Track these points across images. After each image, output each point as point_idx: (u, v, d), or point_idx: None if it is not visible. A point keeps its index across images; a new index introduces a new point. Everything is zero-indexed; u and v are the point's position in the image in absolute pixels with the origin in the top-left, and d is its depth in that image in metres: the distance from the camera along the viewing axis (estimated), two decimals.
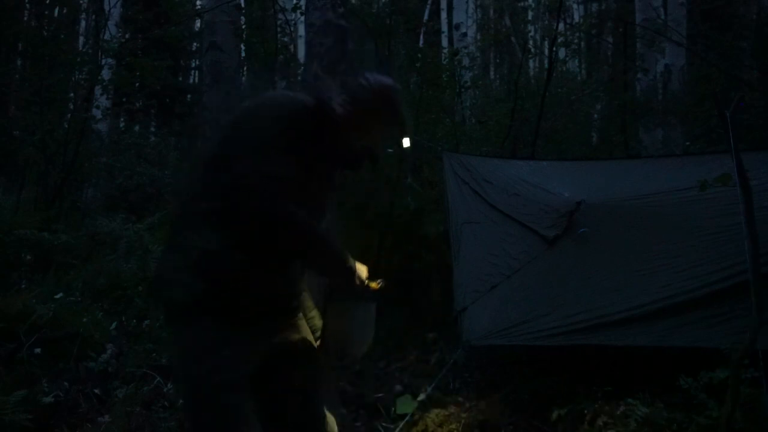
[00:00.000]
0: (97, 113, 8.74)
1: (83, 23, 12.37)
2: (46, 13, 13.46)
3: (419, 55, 8.01)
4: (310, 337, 1.90)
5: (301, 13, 5.86)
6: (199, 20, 10.74)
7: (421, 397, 3.32)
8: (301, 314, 1.89)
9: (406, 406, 3.37)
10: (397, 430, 3.06)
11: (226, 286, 1.59)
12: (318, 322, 1.97)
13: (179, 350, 1.66)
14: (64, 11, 13.09)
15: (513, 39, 15.21)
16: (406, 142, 2.05)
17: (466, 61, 8.72)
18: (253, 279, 1.62)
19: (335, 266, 1.74)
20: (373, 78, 1.81)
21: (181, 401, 1.72)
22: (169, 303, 1.67)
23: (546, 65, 9.67)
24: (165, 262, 1.70)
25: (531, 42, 13.74)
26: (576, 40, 10.50)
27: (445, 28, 13.73)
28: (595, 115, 9.42)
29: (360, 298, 1.86)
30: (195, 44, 14.45)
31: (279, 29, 7.56)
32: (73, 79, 7.97)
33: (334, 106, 1.74)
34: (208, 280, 1.57)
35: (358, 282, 1.79)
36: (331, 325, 1.91)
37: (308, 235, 1.63)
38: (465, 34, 10.98)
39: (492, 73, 16.88)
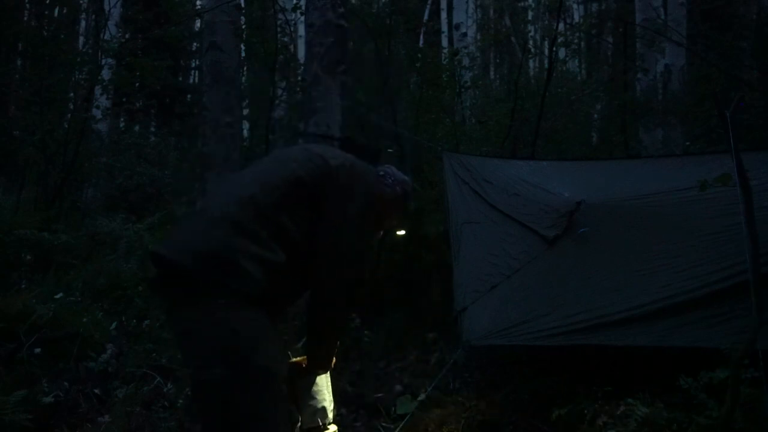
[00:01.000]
0: (97, 113, 8.74)
1: (83, 23, 12.37)
2: (46, 13, 13.46)
3: (419, 55, 8.02)
4: None
5: (301, 13, 5.87)
6: (199, 20, 10.74)
7: (421, 397, 3.33)
8: None
9: (406, 406, 3.38)
10: (397, 430, 3.06)
11: (277, 288, 1.68)
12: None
13: (227, 336, 1.56)
14: (64, 11, 13.09)
15: (513, 39, 15.20)
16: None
17: (466, 61, 8.72)
18: (293, 288, 1.81)
19: (333, 337, 1.90)
20: (396, 176, 2.11)
21: (204, 392, 1.60)
22: (227, 285, 1.58)
23: (546, 65, 9.67)
24: (228, 239, 1.63)
25: (531, 42, 13.74)
26: (576, 40, 10.49)
27: (445, 28, 13.73)
28: (595, 115, 9.42)
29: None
30: (195, 44, 14.45)
31: (279, 29, 7.55)
32: (73, 79, 7.97)
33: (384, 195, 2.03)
34: (269, 279, 1.63)
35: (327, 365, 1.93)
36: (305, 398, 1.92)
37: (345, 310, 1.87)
38: (465, 34, 10.98)
39: (492, 73, 16.88)
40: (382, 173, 2.09)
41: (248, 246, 1.61)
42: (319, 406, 1.88)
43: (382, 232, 2.19)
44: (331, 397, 1.92)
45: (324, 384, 1.91)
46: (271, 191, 1.72)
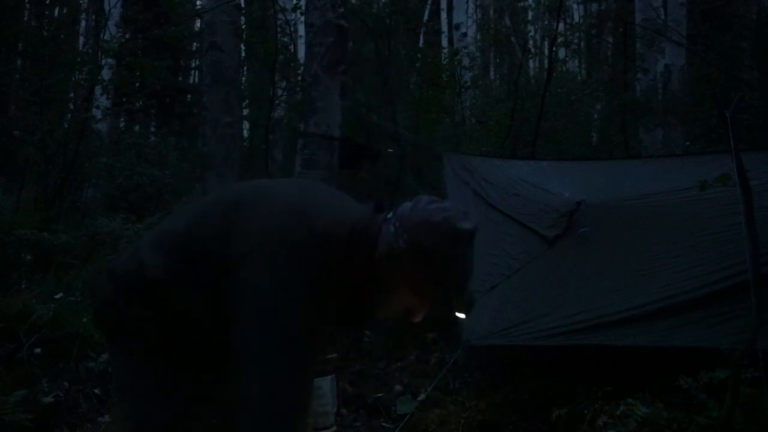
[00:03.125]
0: (97, 113, 8.73)
1: (83, 23, 12.36)
2: (46, 13, 13.46)
3: (419, 55, 8.01)
4: None
5: (301, 13, 5.87)
6: (199, 20, 10.74)
7: (421, 397, 3.33)
8: None
9: (406, 406, 3.38)
10: (397, 430, 3.06)
11: None
12: None
13: None
14: (64, 11, 13.09)
15: (513, 39, 15.20)
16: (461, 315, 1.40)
17: (466, 61, 8.72)
18: None
19: None
20: (408, 218, 1.22)
21: None
22: None
23: (546, 65, 9.67)
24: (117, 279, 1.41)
25: (531, 42, 13.73)
26: (576, 40, 10.49)
27: (445, 28, 13.73)
28: (595, 115, 9.41)
29: None
30: (195, 44, 14.44)
31: (279, 29, 7.56)
32: (73, 79, 7.97)
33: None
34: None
35: None
36: None
37: None
38: (465, 34, 10.98)
39: (492, 73, 16.88)
40: (389, 215, 1.26)
41: None
42: (321, 410, 1.87)
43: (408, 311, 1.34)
44: (335, 400, 1.92)
45: (328, 389, 1.90)
46: None
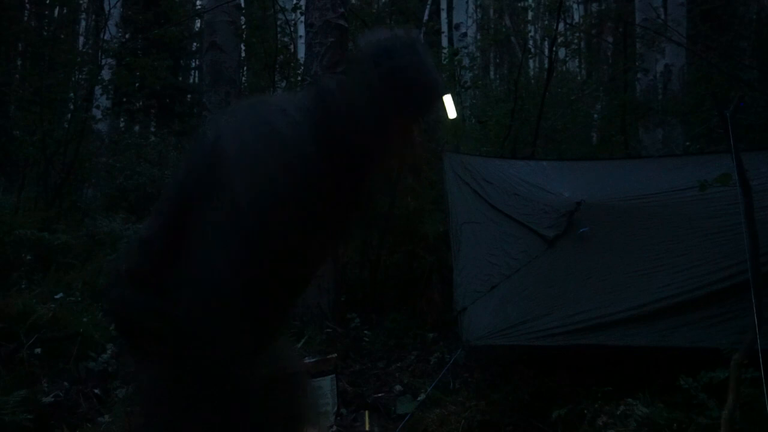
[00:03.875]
0: (97, 113, 8.74)
1: (83, 23, 12.37)
2: (46, 13, 13.47)
3: None
4: None
5: (301, 13, 5.87)
6: (199, 20, 10.74)
7: (421, 397, 3.33)
8: None
9: (406, 406, 3.38)
10: (397, 430, 3.06)
11: None
12: None
13: None
14: (64, 11, 13.09)
15: (513, 39, 15.20)
16: (450, 111, 1.28)
17: (466, 61, 8.72)
18: None
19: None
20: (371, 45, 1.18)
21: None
22: None
23: (546, 65, 9.67)
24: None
25: (531, 42, 13.74)
26: (576, 40, 10.49)
27: (445, 28, 13.73)
28: (595, 115, 9.42)
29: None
30: (195, 44, 14.45)
31: (279, 29, 7.56)
32: (73, 79, 7.97)
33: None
34: None
35: None
36: None
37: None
38: (465, 34, 10.98)
39: (492, 73, 16.88)
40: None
41: None
42: (321, 410, 1.87)
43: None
44: (335, 400, 1.91)
45: (328, 389, 1.90)
46: None
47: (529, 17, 15.10)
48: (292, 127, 1.17)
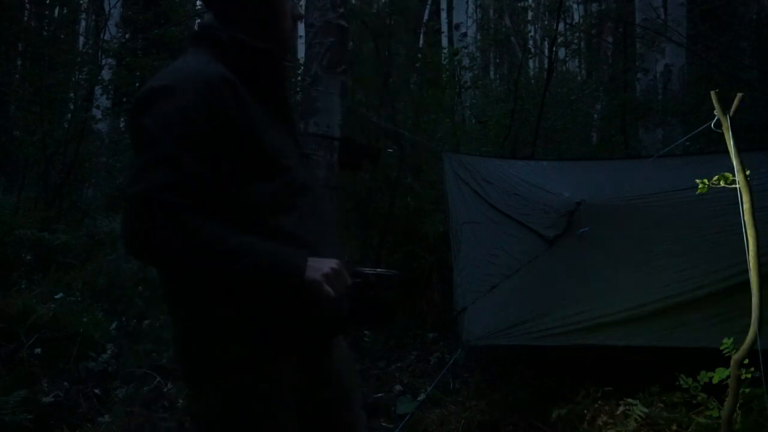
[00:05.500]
0: (97, 113, 8.74)
1: (83, 23, 12.36)
2: (46, 13, 13.47)
3: (419, 55, 8.01)
4: None
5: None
6: (199, 20, 10.72)
7: (421, 397, 3.33)
8: None
9: (406, 406, 3.38)
10: (397, 430, 3.06)
11: None
12: None
13: None
14: (64, 11, 13.09)
15: (513, 39, 15.20)
16: None
17: (466, 61, 8.71)
18: None
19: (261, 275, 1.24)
20: None
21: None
22: None
23: (546, 65, 9.67)
24: None
25: (531, 42, 13.74)
26: (576, 40, 10.49)
27: (445, 28, 13.73)
28: (595, 115, 9.42)
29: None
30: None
31: None
32: (73, 79, 7.98)
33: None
34: None
35: (318, 284, 1.26)
36: None
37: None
38: (465, 34, 10.98)
39: (492, 73, 16.88)
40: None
41: None
42: None
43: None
44: None
45: None
46: None
47: (529, 17, 15.10)
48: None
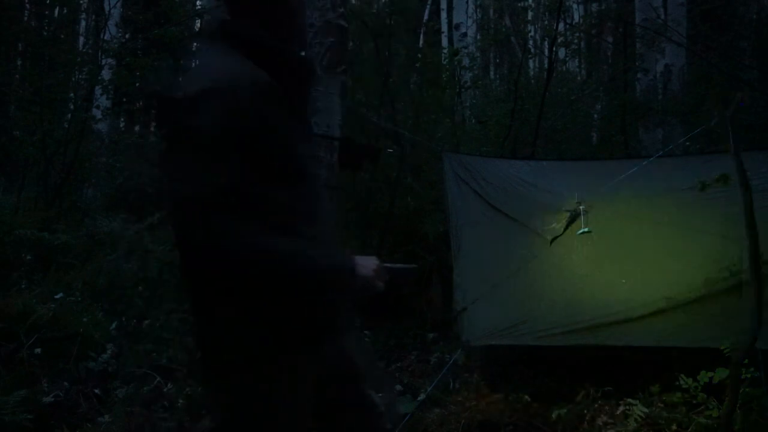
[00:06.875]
0: (97, 113, 8.73)
1: (83, 23, 12.36)
2: (46, 13, 13.47)
3: (419, 55, 8.00)
4: None
5: None
6: (199, 20, 10.73)
7: (421, 397, 3.33)
8: None
9: (406, 406, 3.37)
10: (397, 430, 3.06)
11: None
12: None
13: None
14: (64, 11, 13.09)
15: (513, 39, 15.20)
16: None
17: (466, 61, 8.71)
18: None
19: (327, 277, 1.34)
20: None
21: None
22: None
23: (546, 65, 9.67)
24: None
25: (531, 42, 13.73)
26: (576, 40, 10.49)
27: (445, 28, 13.73)
28: (595, 115, 9.41)
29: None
30: (195, 44, 14.42)
31: None
32: (73, 79, 7.97)
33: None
34: None
35: (371, 279, 1.36)
36: None
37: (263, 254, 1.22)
38: (465, 34, 10.97)
39: (492, 73, 16.88)
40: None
41: None
42: None
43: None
44: None
45: None
46: None
47: (529, 17, 15.09)
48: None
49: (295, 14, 1.46)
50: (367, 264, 1.36)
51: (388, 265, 1.45)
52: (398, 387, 3.75)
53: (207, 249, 1.17)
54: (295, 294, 1.30)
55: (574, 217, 3.54)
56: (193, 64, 1.44)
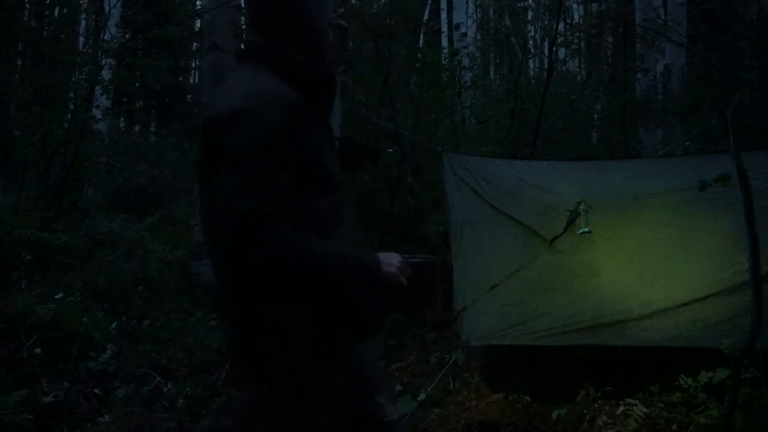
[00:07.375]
0: (97, 113, 8.73)
1: (83, 23, 12.37)
2: (46, 13, 13.48)
3: (419, 55, 8.01)
4: None
5: None
6: (199, 20, 10.74)
7: (421, 397, 3.33)
8: None
9: (406, 406, 3.37)
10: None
11: None
12: None
13: None
14: (64, 11, 13.09)
15: (513, 39, 15.20)
16: None
17: (466, 61, 8.71)
18: None
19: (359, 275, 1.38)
20: None
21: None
22: None
23: (546, 65, 9.67)
24: None
25: (531, 42, 13.74)
26: (576, 40, 10.49)
27: (445, 28, 13.73)
28: (595, 115, 9.41)
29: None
30: (195, 44, 14.44)
31: None
32: (73, 79, 7.97)
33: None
34: None
35: (395, 276, 1.41)
36: None
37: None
38: (465, 34, 10.98)
39: (492, 73, 16.89)
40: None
41: None
42: None
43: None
44: None
45: None
46: None
47: (529, 17, 15.10)
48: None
49: (319, 32, 1.52)
50: (391, 261, 1.42)
51: (409, 258, 1.49)
52: (398, 387, 3.75)
53: (268, 258, 1.22)
54: (336, 293, 1.36)
55: (574, 217, 3.54)
56: (222, 84, 1.49)
